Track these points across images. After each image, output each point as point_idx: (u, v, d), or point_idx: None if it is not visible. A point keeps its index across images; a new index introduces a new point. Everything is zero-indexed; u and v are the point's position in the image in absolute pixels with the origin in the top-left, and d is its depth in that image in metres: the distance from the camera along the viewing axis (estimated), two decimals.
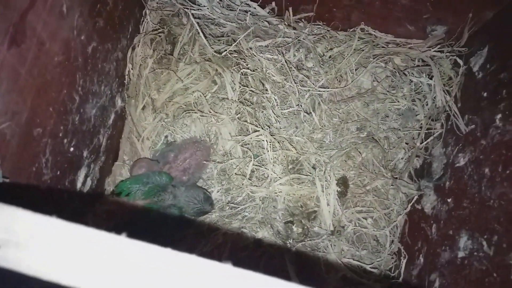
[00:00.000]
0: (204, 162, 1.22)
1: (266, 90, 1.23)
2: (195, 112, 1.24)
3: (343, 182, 1.21)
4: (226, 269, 0.37)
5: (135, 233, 0.44)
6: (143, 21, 1.26)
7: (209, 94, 1.26)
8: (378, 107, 1.25)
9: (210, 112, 1.23)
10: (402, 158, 1.22)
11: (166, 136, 1.29)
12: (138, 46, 1.21)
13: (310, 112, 1.22)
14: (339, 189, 1.19)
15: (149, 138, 1.27)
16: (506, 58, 0.96)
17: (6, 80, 0.58)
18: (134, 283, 0.35)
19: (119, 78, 1.15)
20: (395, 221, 1.18)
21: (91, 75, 0.93)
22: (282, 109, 1.23)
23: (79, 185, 1.00)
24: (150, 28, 1.26)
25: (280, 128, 1.23)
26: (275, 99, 1.22)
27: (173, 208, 1.07)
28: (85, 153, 1.00)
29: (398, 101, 1.24)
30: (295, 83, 1.22)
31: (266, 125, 1.23)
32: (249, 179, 1.20)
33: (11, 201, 0.39)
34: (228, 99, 1.25)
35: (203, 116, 1.24)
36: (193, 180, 1.21)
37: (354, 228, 1.18)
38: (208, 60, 1.25)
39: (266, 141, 1.20)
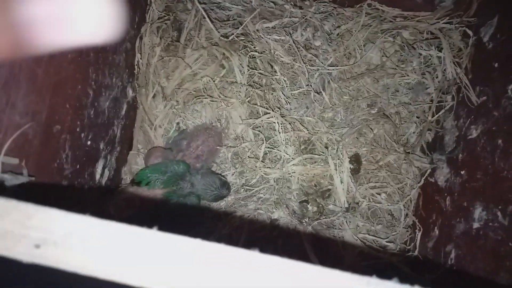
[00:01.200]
0: (217, 147, 1.24)
1: (275, 71, 1.23)
2: (205, 97, 1.25)
3: (355, 159, 1.22)
4: (255, 255, 0.38)
5: (157, 221, 0.46)
6: (148, 9, 1.25)
7: (218, 78, 1.27)
8: (388, 82, 1.24)
9: (220, 97, 1.24)
10: (413, 132, 1.23)
11: (177, 123, 1.30)
12: (145, 35, 1.21)
13: (320, 92, 1.23)
14: (352, 167, 1.21)
15: (161, 126, 1.29)
16: None
17: (25, 82, 0.60)
18: (169, 275, 0.37)
19: (129, 69, 1.16)
20: (409, 195, 1.19)
21: (103, 69, 0.94)
22: (292, 90, 1.23)
23: (97, 176, 1.02)
24: (156, 16, 1.26)
25: (291, 109, 1.23)
26: (285, 81, 1.22)
27: (191, 196, 1.09)
28: (101, 145, 1.02)
29: (408, 75, 1.23)
30: (303, 63, 1.22)
31: (277, 107, 1.24)
32: (262, 161, 1.22)
33: (41, 200, 0.40)
34: (237, 82, 1.25)
35: (213, 101, 1.25)
36: (207, 166, 1.23)
37: (369, 204, 1.20)
38: (215, 45, 1.25)
39: (277, 123, 1.21)
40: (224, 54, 1.24)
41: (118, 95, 1.09)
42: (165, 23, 1.26)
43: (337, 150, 1.20)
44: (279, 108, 1.23)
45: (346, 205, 1.19)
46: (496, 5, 1.06)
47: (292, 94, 1.23)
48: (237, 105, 1.25)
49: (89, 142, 0.93)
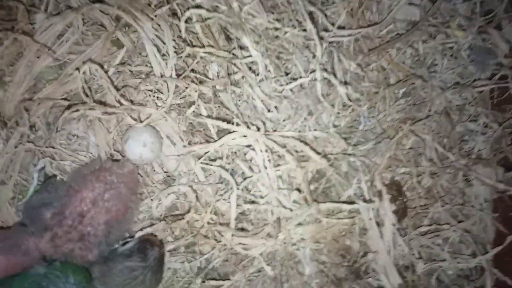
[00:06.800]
0: (128, 208, 0.62)
1: (238, 39, 0.60)
2: (91, 108, 0.60)
3: (397, 191, 0.68)
4: None
5: None
6: None
7: (112, 68, 0.63)
8: (424, 48, 0.71)
9: (122, 105, 0.60)
10: (477, 131, 0.72)
11: (41, 169, 0.65)
12: None
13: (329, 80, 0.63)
14: (394, 208, 0.67)
15: (7, 181, 0.61)
16: None
17: None
18: None
19: None
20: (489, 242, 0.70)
21: None
22: (279, 83, 0.62)
23: None
24: None
25: (280, 121, 0.63)
26: (266, 65, 0.60)
27: None
28: None
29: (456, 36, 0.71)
30: (295, 26, 0.61)
31: (248, 116, 0.63)
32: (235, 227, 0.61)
33: None
34: (154, 74, 0.61)
35: (107, 113, 0.62)
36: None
37: (426, 266, 0.68)
38: (99, 1, 0.59)
39: (256, 149, 0.60)
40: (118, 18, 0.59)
41: None
42: None
43: (371, 184, 0.65)
44: (249, 118, 0.62)
45: (399, 281, 0.65)
46: None
47: (281, 91, 0.62)
48: (158, 118, 0.62)
49: None
